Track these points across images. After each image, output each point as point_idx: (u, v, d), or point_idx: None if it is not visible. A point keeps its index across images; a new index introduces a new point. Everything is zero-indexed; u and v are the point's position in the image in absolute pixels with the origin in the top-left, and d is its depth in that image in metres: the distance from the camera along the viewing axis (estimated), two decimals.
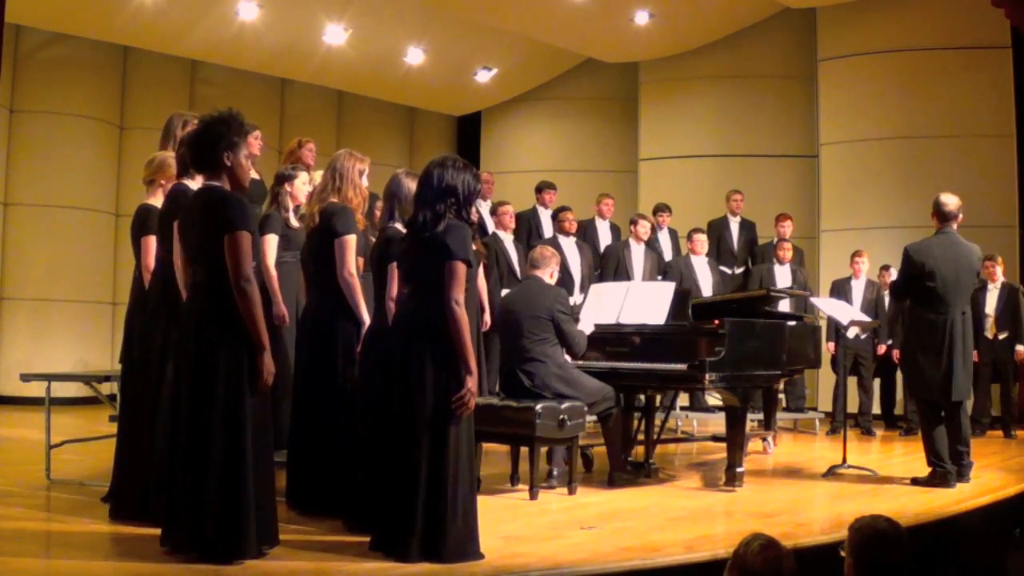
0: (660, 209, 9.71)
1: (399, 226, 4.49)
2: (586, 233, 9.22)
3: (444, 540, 3.76)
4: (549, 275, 5.76)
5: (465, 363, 3.85)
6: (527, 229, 8.91)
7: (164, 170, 4.81)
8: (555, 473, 5.81)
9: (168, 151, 4.93)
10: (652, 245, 9.42)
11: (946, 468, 5.91)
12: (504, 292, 7.07)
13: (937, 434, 5.99)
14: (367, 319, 4.70)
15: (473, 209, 4.07)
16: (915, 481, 6.02)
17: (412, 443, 3.83)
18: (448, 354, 3.86)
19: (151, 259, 4.77)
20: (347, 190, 4.82)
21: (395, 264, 4.33)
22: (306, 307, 4.99)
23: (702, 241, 8.97)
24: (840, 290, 9.17)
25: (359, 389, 4.57)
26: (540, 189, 9.25)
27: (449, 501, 3.78)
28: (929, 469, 5.99)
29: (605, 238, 9.38)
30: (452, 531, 3.78)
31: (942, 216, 6.10)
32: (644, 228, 8.88)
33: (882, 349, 9.12)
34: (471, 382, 3.85)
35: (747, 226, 10.17)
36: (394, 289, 4.36)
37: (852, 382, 9.01)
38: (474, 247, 4.05)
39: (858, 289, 9.17)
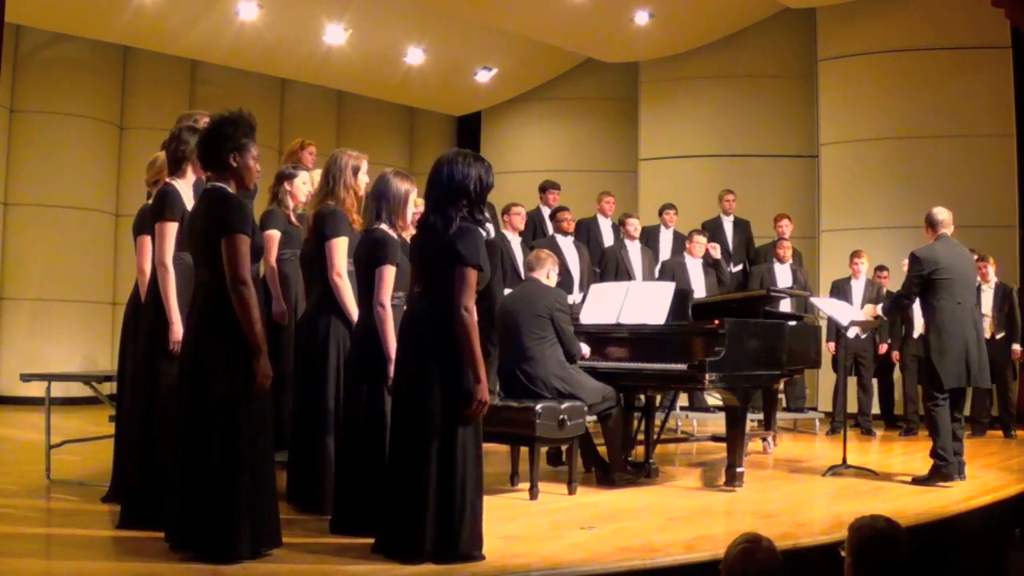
0: (666, 208, 9.71)
1: (386, 227, 4.43)
2: (589, 231, 9.21)
3: (455, 545, 3.75)
4: (546, 276, 5.77)
5: (474, 371, 3.81)
6: (531, 228, 8.89)
7: (166, 171, 4.80)
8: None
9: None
10: (652, 243, 9.42)
11: (948, 464, 5.93)
12: (507, 292, 7.07)
13: (948, 428, 6.02)
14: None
15: (486, 207, 3.99)
16: (915, 481, 6.03)
17: (422, 449, 3.79)
18: (457, 361, 3.81)
19: (142, 259, 4.76)
20: (339, 190, 4.80)
21: (388, 267, 4.31)
22: (305, 308, 5.00)
23: (700, 243, 8.96)
24: (840, 290, 9.17)
25: (345, 392, 4.52)
26: (544, 189, 9.23)
27: (459, 506, 3.77)
28: (931, 464, 6.00)
29: (608, 236, 9.36)
30: (463, 536, 3.77)
31: (936, 224, 6.28)
32: (633, 226, 8.89)
33: (883, 349, 9.13)
34: (480, 390, 3.80)
35: (741, 225, 10.16)
36: (384, 295, 4.32)
37: (852, 382, 9.01)
38: None
39: (858, 289, 9.17)
